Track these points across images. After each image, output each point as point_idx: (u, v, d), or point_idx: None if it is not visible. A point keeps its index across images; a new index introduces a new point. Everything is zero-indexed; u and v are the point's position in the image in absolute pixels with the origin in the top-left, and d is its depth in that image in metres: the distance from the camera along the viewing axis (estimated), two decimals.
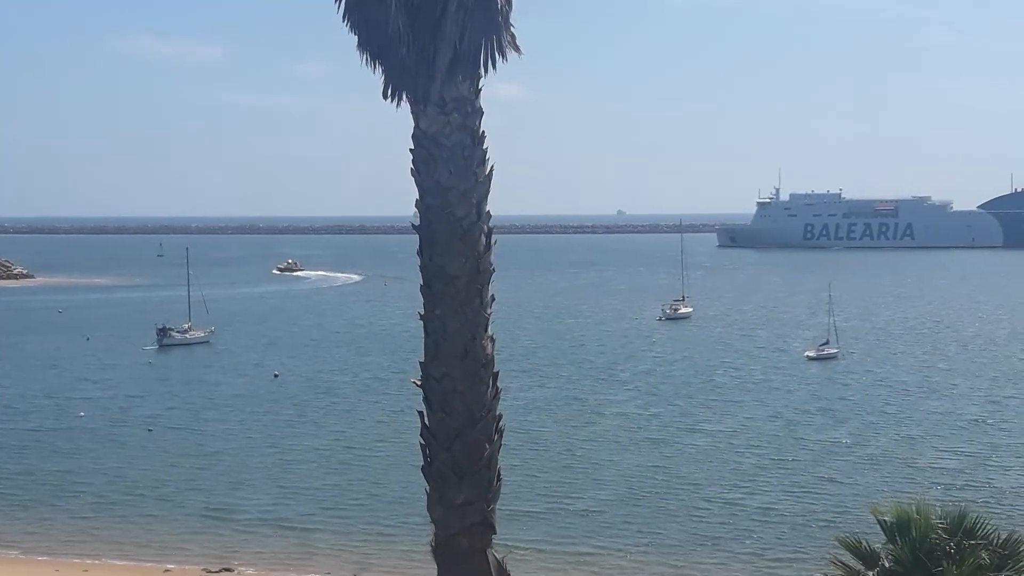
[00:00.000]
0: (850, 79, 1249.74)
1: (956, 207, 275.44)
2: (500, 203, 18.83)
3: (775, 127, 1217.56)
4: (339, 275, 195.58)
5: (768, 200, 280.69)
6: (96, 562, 41.18)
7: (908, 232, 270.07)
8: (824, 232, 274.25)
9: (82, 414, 67.16)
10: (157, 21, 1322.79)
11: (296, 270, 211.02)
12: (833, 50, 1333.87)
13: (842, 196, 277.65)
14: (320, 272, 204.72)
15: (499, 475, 17.95)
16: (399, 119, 17.44)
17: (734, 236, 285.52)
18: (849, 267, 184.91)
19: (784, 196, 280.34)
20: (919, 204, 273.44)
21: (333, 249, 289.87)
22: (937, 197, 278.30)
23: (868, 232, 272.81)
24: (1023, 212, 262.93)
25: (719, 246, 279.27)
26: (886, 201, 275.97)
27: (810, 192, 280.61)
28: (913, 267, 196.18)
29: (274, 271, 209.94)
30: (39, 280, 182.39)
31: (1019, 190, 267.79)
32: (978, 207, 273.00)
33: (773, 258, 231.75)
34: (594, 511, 45.66)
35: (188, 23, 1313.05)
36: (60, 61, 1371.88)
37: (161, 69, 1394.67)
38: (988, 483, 48.60)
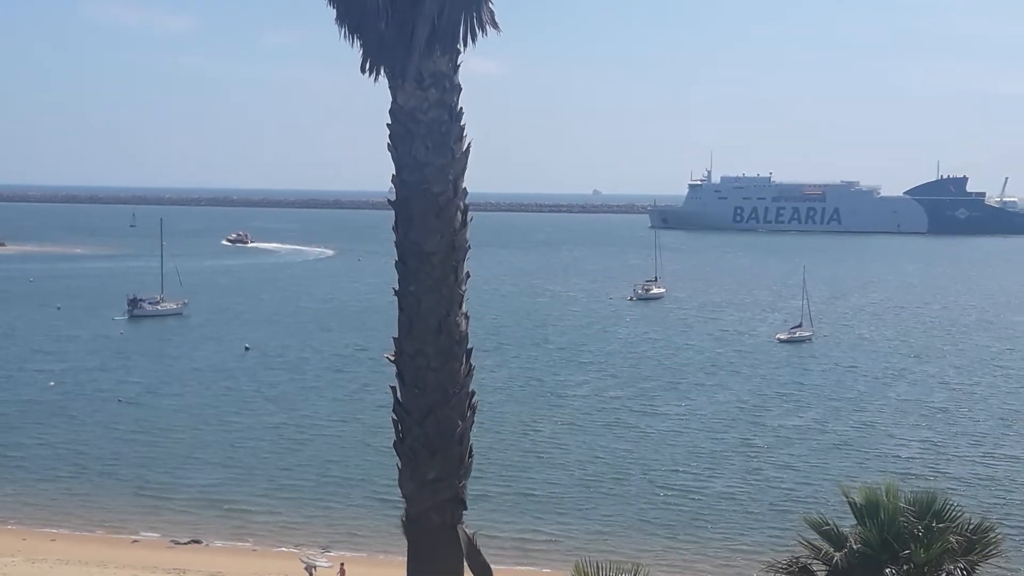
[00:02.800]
0: (798, 64, 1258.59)
1: (884, 193, 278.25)
2: (476, 181, 18.80)
3: (734, 107, 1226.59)
4: (312, 249, 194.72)
5: (699, 183, 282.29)
6: (63, 532, 41.12)
7: (835, 217, 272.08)
8: (753, 215, 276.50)
9: (52, 384, 66.91)
10: None
11: (247, 242, 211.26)
12: (788, 34, 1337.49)
13: (772, 180, 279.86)
14: (293, 246, 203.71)
15: (471, 452, 17.95)
16: (375, 91, 17.37)
17: (666, 218, 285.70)
18: (799, 250, 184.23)
19: (716, 179, 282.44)
20: (846, 189, 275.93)
21: (307, 223, 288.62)
22: (866, 183, 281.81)
23: (796, 216, 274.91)
24: (948, 199, 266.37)
25: (651, 227, 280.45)
26: (814, 186, 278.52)
27: (741, 175, 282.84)
28: (848, 251, 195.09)
29: (224, 242, 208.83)
30: (10, 248, 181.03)
31: (945, 177, 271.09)
32: (904, 193, 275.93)
33: (701, 240, 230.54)
34: (552, 495, 45.46)
35: None
36: (34, 28, 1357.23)
37: (133, 38, 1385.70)
38: (951, 470, 48.99)
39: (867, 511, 16.62)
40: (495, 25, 17.16)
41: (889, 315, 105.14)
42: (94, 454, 51.57)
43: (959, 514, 16.79)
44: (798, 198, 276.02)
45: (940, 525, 16.32)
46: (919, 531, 16.27)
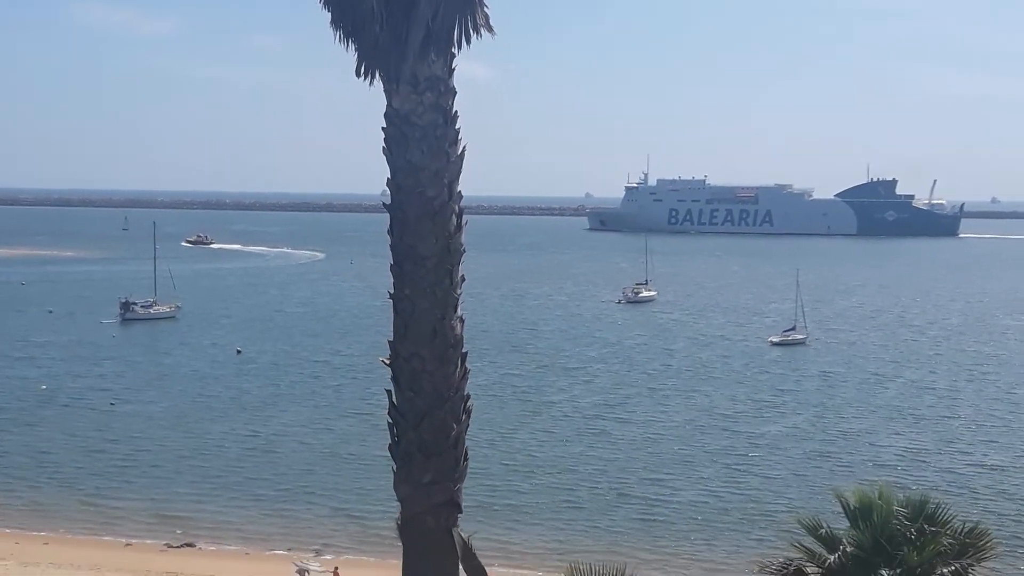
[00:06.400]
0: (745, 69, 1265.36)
1: (817, 195, 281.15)
2: (471, 184, 18.82)
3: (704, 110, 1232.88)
4: (302, 252, 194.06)
5: (636, 185, 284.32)
6: (55, 535, 41.06)
7: (767, 219, 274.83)
8: (688, 217, 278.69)
9: (43, 387, 66.79)
10: None
11: (207, 243, 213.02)
12: (720, 40, 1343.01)
13: (707, 183, 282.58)
14: (282, 249, 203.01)
15: (466, 455, 18.04)
16: (368, 95, 17.41)
17: (603, 220, 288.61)
18: (762, 253, 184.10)
19: (653, 181, 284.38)
20: (778, 192, 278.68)
21: (298, 226, 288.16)
22: (799, 185, 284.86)
23: (729, 218, 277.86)
24: (877, 201, 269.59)
25: (589, 229, 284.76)
26: (747, 188, 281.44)
27: (677, 178, 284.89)
28: (788, 253, 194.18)
29: (184, 243, 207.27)
30: (1, 252, 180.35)
31: (874, 180, 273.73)
32: (835, 196, 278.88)
33: (635, 242, 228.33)
34: (538, 503, 44.98)
35: None
36: (19, 27, 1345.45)
37: (118, 39, 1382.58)
38: (935, 479, 48.93)
39: (860, 513, 16.67)
40: (489, 28, 17.22)
41: (876, 318, 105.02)
42: (83, 459, 51.36)
43: (951, 517, 16.86)
44: (731, 200, 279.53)
45: (933, 528, 16.39)
46: (912, 534, 16.34)
